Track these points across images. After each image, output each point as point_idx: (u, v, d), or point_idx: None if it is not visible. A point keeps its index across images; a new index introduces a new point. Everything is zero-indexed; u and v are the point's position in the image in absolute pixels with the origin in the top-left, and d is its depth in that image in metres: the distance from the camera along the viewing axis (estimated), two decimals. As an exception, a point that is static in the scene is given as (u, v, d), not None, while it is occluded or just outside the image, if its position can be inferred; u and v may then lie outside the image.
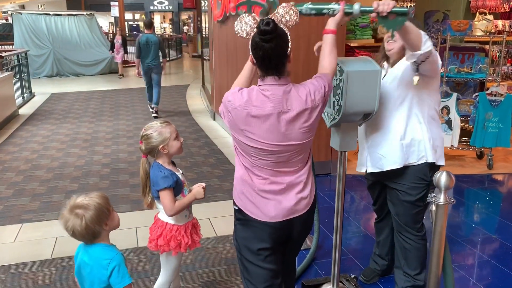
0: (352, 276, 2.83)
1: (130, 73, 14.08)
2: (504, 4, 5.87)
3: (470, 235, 3.54)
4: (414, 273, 2.53)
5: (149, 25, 7.92)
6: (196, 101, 9.75)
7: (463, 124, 5.15)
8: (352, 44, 5.05)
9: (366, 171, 2.55)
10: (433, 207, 1.79)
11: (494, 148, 5.10)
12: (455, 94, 5.06)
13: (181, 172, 2.37)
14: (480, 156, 5.41)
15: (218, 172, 5.01)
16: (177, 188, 2.28)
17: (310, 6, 2.02)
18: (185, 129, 7.08)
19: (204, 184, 2.37)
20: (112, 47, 13.57)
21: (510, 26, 5.49)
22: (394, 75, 2.35)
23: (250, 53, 1.78)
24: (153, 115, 7.88)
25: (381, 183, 2.59)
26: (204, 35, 10.71)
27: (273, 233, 1.85)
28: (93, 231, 1.78)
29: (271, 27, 1.68)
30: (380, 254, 2.87)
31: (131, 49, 14.00)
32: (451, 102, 5.05)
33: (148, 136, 2.28)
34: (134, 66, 11.30)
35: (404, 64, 2.31)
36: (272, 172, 1.80)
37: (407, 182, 2.38)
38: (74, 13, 15.16)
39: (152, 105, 7.99)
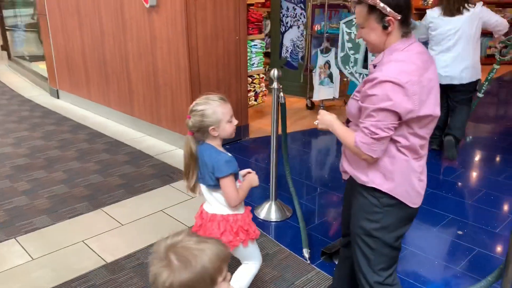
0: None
1: None
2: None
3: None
4: None
5: None
6: (13, 78, 8.01)
7: (345, 79, 5.64)
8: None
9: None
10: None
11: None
12: (334, 49, 5.46)
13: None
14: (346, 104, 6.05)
15: (121, 157, 4.31)
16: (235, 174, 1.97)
17: None
18: (31, 114, 5.80)
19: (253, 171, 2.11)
20: None
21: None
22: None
23: (387, 14, 1.57)
24: None
25: None
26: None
27: None
28: None
29: None
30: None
31: None
32: (331, 57, 5.44)
33: (199, 113, 1.88)
34: None
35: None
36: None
37: None
38: None
39: None
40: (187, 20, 3.99)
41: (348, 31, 2.21)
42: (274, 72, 2.88)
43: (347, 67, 2.27)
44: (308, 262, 2.67)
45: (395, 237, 1.75)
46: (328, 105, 5.81)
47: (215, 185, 1.94)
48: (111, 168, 4.04)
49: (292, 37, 6.50)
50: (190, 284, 1.12)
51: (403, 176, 1.66)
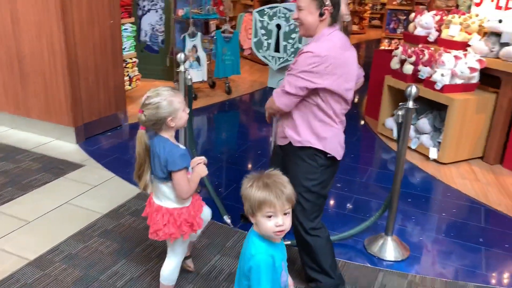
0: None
1: None
2: None
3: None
4: None
5: None
6: None
7: (208, 62, 5.92)
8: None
9: None
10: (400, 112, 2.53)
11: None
12: (199, 34, 5.70)
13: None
14: (212, 86, 6.39)
15: (37, 165, 3.89)
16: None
17: None
18: None
19: (205, 159, 2.12)
20: None
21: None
22: None
23: (322, 7, 1.97)
24: None
25: None
26: None
27: None
28: None
29: None
30: None
31: None
32: (198, 41, 5.68)
33: (154, 105, 1.90)
34: None
35: None
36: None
37: None
38: None
39: None
40: (62, 3, 3.78)
41: (261, 19, 2.53)
42: (181, 56, 3.04)
43: (260, 50, 2.60)
44: (231, 226, 2.98)
45: (327, 189, 2.20)
46: (196, 87, 6.06)
47: (165, 178, 1.95)
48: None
49: (150, 21, 6.51)
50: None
51: (332, 135, 2.10)
